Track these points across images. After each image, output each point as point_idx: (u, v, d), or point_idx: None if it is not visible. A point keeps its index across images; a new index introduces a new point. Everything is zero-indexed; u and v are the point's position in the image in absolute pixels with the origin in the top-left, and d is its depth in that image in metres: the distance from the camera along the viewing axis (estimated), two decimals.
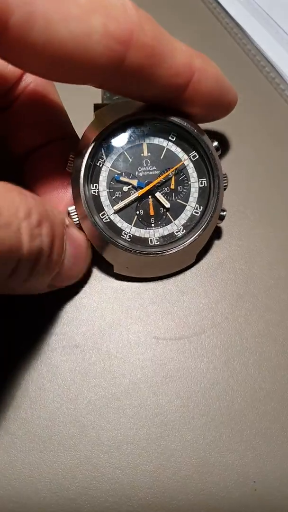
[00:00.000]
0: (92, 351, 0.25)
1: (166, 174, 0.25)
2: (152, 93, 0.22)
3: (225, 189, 0.25)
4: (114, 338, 0.25)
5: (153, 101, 0.23)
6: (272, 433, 0.24)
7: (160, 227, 0.25)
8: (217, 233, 0.28)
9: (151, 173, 0.25)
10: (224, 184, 0.25)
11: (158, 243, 0.25)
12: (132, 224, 0.24)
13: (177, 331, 0.26)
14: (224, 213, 0.25)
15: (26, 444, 0.23)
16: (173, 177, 0.25)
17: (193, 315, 0.26)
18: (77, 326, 0.25)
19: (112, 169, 0.24)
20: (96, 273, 0.26)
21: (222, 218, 0.25)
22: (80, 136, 0.25)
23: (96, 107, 0.25)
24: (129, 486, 0.22)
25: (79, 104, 0.25)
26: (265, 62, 0.33)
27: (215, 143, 0.25)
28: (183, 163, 0.25)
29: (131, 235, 0.24)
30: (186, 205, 0.25)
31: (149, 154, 0.25)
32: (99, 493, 0.22)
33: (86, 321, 0.25)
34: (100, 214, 0.24)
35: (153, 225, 0.25)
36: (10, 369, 0.24)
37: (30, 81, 0.24)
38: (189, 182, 0.25)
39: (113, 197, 0.24)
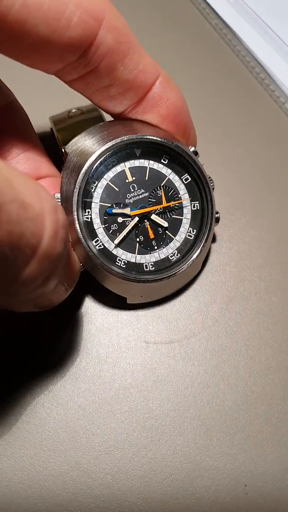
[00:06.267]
0: (82, 356, 0.25)
1: (159, 206, 0.24)
2: (117, 89, 0.22)
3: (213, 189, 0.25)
4: (104, 343, 0.25)
5: (115, 104, 0.22)
6: (263, 436, 0.24)
7: (164, 247, 0.24)
8: None
9: (140, 196, 0.24)
10: (212, 187, 0.25)
11: (154, 268, 0.24)
12: (136, 252, 0.24)
13: (167, 335, 0.25)
14: (218, 214, 0.25)
15: (16, 450, 0.23)
16: (163, 195, 0.24)
17: (184, 318, 0.26)
18: (66, 330, 0.25)
19: (102, 203, 0.23)
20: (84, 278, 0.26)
21: (217, 220, 0.25)
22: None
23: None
24: (119, 491, 0.22)
25: None
26: (255, 63, 0.33)
27: (192, 148, 0.25)
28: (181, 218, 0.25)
29: (126, 261, 0.24)
30: (182, 219, 0.25)
31: (133, 178, 0.24)
32: (89, 499, 0.22)
33: (75, 326, 0.25)
34: (96, 245, 0.23)
35: (156, 247, 0.24)
36: None
37: None
38: (179, 195, 0.25)
39: (110, 232, 0.23)
